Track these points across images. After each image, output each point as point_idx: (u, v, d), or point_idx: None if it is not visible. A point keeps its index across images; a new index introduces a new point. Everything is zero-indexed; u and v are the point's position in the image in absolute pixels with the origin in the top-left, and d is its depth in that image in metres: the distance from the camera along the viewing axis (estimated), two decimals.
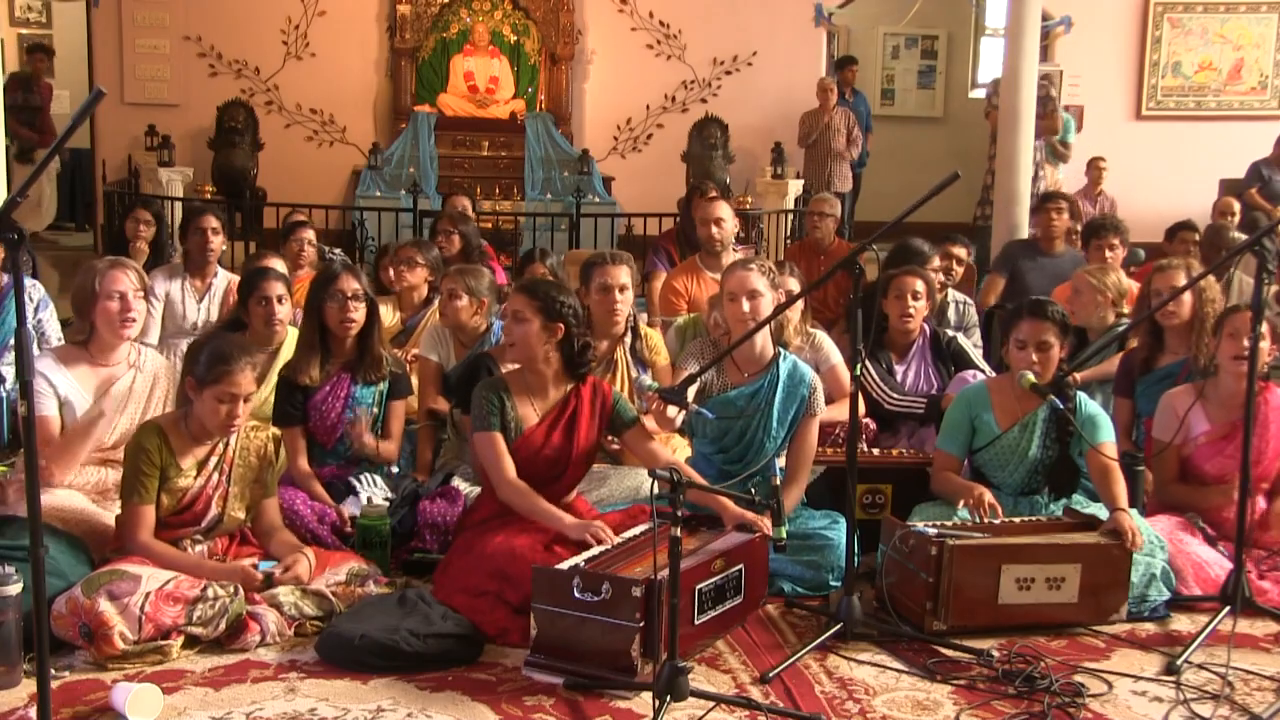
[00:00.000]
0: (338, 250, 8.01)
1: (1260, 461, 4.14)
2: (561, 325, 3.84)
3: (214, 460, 3.70)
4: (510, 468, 3.81)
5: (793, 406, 4.18)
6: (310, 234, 6.89)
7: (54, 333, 5.23)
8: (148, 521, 3.57)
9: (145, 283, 4.16)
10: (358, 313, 4.39)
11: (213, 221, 5.93)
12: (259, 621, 3.48)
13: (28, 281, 5.32)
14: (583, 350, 3.90)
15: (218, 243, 5.94)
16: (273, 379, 4.53)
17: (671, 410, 3.92)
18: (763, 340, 4.19)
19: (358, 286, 4.40)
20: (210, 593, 3.44)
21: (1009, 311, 4.58)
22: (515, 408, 3.86)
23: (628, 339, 4.92)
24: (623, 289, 4.81)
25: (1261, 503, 4.22)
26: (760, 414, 4.15)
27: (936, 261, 5.91)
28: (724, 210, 6.13)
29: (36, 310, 5.24)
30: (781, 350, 4.26)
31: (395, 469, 4.66)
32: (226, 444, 3.73)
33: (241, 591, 3.49)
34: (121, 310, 3.98)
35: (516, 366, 4.00)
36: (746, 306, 4.16)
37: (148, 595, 3.35)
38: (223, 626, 3.44)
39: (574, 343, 3.87)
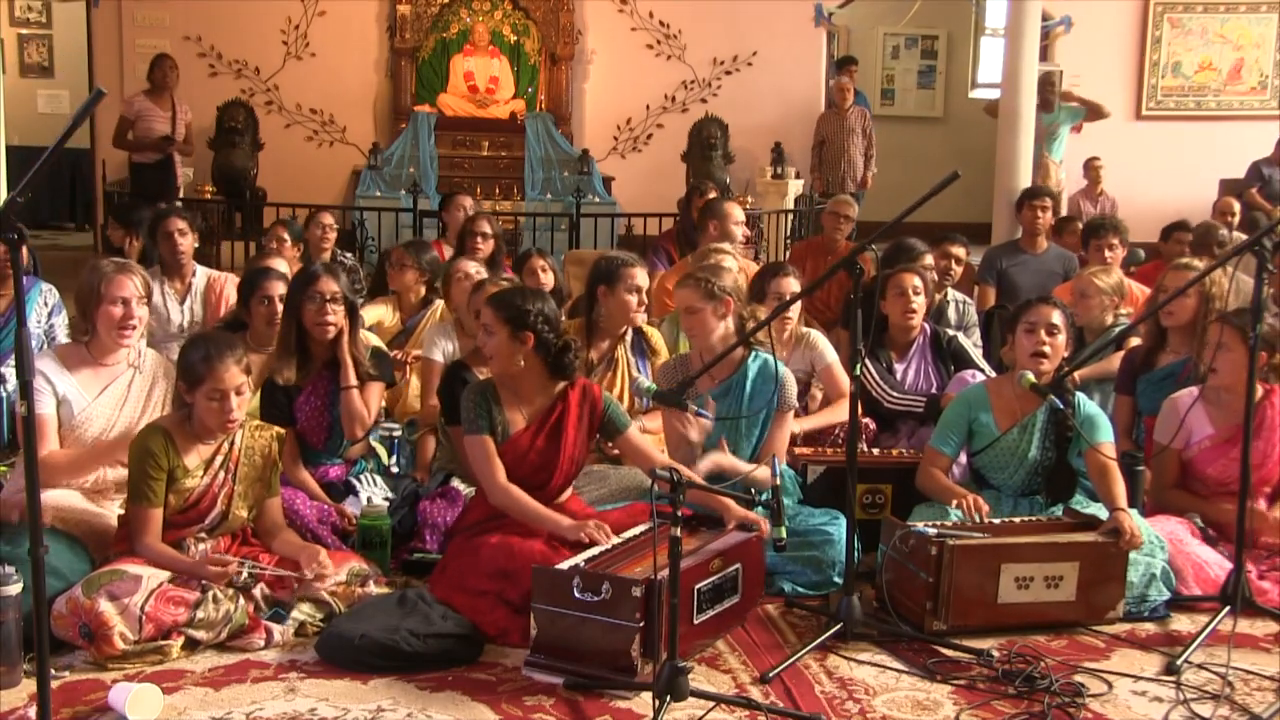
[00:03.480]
0: (348, 255, 8.00)
1: (1263, 465, 4.13)
2: (530, 334, 3.80)
3: (220, 459, 3.70)
4: (501, 471, 3.80)
5: (763, 403, 4.19)
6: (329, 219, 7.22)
7: (64, 338, 5.22)
8: (154, 525, 3.57)
9: (150, 288, 4.16)
10: (335, 315, 4.35)
11: (178, 224, 5.87)
12: (265, 628, 3.50)
13: (43, 285, 5.31)
14: (562, 352, 3.87)
15: (187, 243, 5.88)
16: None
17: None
18: (723, 343, 4.17)
19: (337, 289, 4.34)
20: (211, 594, 3.45)
21: (1014, 308, 4.59)
22: (503, 411, 3.85)
23: (629, 336, 4.93)
24: (642, 289, 4.84)
25: (1262, 505, 4.21)
26: (732, 413, 4.15)
27: (929, 260, 5.91)
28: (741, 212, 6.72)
29: (50, 314, 5.24)
30: (754, 350, 4.26)
31: (395, 469, 4.66)
32: (232, 443, 3.73)
33: (243, 602, 3.50)
34: (124, 316, 3.96)
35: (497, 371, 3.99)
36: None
37: (149, 595, 3.35)
38: (224, 635, 3.45)
39: (550, 347, 3.85)
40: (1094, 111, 10.89)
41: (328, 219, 7.45)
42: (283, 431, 3.97)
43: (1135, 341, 5.18)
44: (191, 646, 3.42)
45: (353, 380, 4.35)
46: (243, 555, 3.71)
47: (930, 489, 4.17)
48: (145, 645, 3.33)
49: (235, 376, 3.59)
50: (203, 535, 3.68)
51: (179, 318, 5.83)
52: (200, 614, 3.41)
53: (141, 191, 9.38)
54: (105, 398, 3.97)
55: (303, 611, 3.59)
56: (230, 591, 3.50)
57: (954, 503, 3.99)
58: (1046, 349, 4.14)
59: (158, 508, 3.57)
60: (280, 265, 5.64)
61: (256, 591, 3.57)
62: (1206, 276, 4.56)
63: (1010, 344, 4.30)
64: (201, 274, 6.01)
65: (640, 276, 4.82)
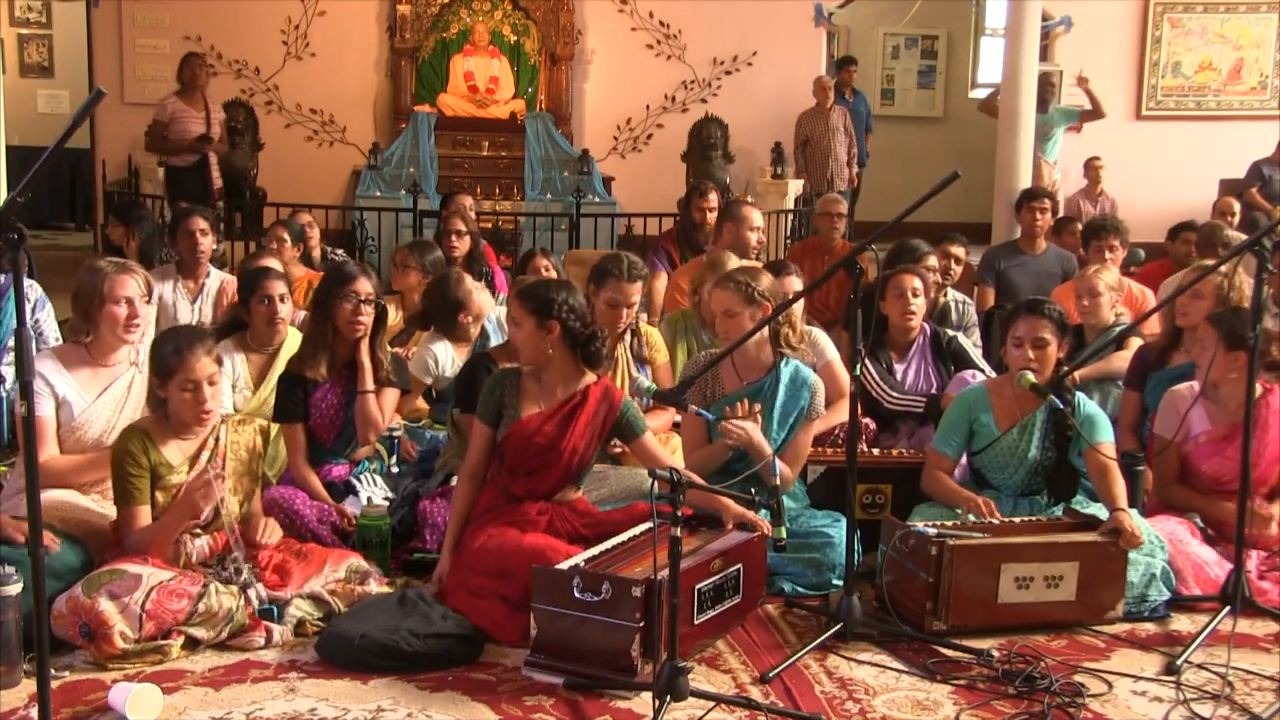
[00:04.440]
0: (339, 251, 8.00)
1: (1258, 465, 4.13)
2: (556, 324, 3.82)
3: (205, 455, 3.70)
4: (478, 461, 3.91)
5: (794, 409, 4.18)
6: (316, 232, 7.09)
7: (51, 333, 5.21)
8: (142, 522, 3.57)
9: (151, 287, 4.16)
10: (368, 315, 4.40)
11: (201, 223, 5.89)
12: (265, 627, 3.50)
13: (25, 282, 5.28)
14: (590, 340, 3.89)
15: (207, 243, 5.90)
16: (273, 379, 4.53)
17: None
18: (758, 346, 4.19)
19: (371, 290, 4.41)
20: (213, 586, 3.45)
21: (1008, 310, 4.58)
22: (519, 398, 3.88)
23: (627, 337, 4.92)
24: (630, 305, 4.77)
25: (1260, 503, 4.21)
26: (761, 416, 4.14)
27: (932, 260, 5.91)
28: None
29: (34, 310, 5.20)
30: (784, 355, 4.26)
31: (396, 469, 4.67)
32: (218, 439, 3.73)
33: (244, 601, 3.50)
34: (129, 316, 3.97)
35: (515, 365, 4.01)
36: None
37: (149, 592, 3.35)
38: (225, 634, 3.46)
39: (577, 336, 3.86)
40: (1091, 112, 10.84)
41: (305, 217, 7.45)
42: (265, 423, 3.97)
43: (1137, 341, 5.18)
44: (191, 646, 3.42)
45: (370, 385, 4.37)
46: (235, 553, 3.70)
47: (937, 493, 4.17)
48: (145, 645, 3.33)
49: (206, 366, 3.61)
50: (197, 531, 3.68)
51: (189, 317, 5.83)
52: (202, 606, 3.41)
53: (180, 195, 9.34)
54: (106, 398, 3.96)
55: (302, 610, 3.59)
56: (233, 588, 3.51)
57: (967, 508, 3.98)
58: (1034, 365, 4.13)
59: (144, 505, 3.58)
60: (276, 265, 5.65)
61: (252, 593, 3.57)
62: (1225, 280, 4.56)
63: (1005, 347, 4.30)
64: (215, 275, 6.03)
65: (628, 292, 4.69)
